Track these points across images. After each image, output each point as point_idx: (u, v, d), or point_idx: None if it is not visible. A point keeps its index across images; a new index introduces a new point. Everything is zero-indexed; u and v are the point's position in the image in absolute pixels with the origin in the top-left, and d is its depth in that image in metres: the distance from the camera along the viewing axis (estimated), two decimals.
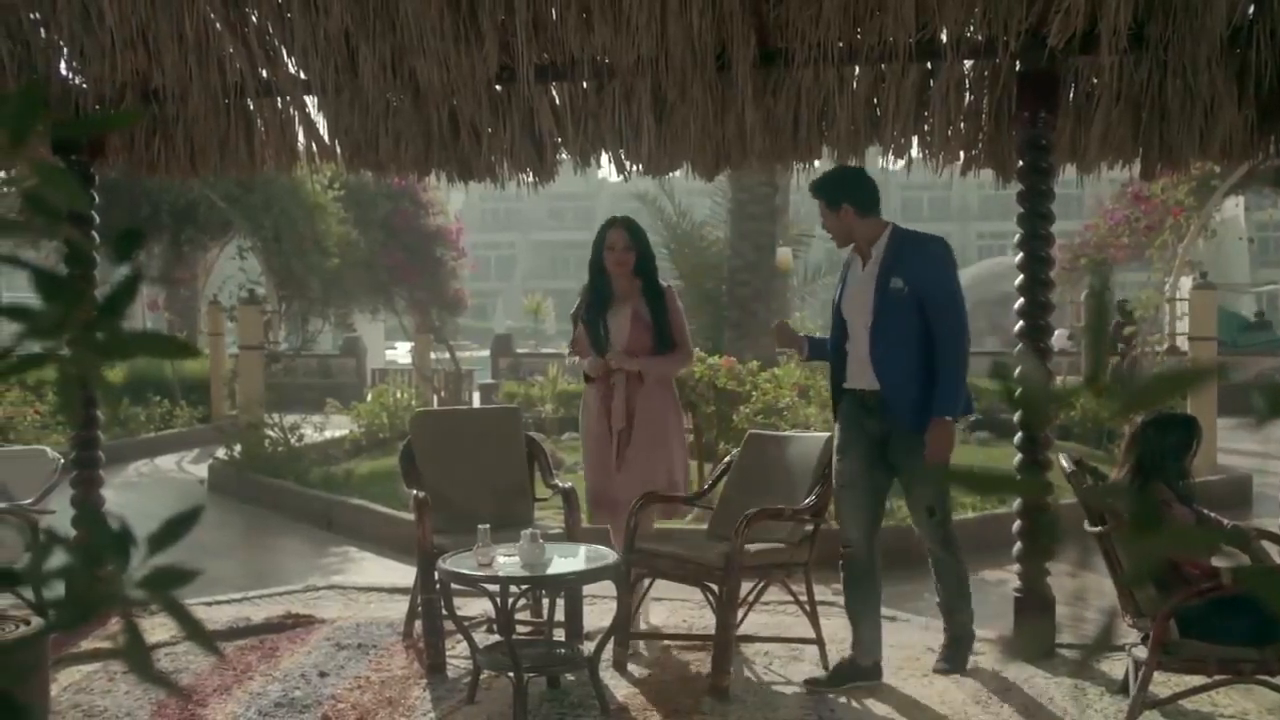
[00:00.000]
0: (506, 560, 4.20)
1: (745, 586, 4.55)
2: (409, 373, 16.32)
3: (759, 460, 4.91)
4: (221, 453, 10.49)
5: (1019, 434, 4.91)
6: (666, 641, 4.99)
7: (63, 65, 5.54)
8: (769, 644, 4.90)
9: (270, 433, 10.29)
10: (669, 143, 5.20)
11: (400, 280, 15.65)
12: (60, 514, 4.89)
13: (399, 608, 5.35)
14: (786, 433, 5.74)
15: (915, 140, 5.14)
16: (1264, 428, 0.91)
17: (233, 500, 9.55)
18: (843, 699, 4.29)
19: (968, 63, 4.95)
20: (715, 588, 4.41)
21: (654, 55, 4.95)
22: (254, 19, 5.28)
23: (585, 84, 5.21)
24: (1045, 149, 4.84)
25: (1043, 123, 4.81)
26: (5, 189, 11.17)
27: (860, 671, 4.40)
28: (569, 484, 5.08)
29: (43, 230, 0.99)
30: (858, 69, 5.01)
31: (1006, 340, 17.10)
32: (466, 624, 4.41)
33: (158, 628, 4.41)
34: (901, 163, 5.33)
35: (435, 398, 14.24)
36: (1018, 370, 1.04)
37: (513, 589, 4.11)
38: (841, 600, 4.53)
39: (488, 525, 4.26)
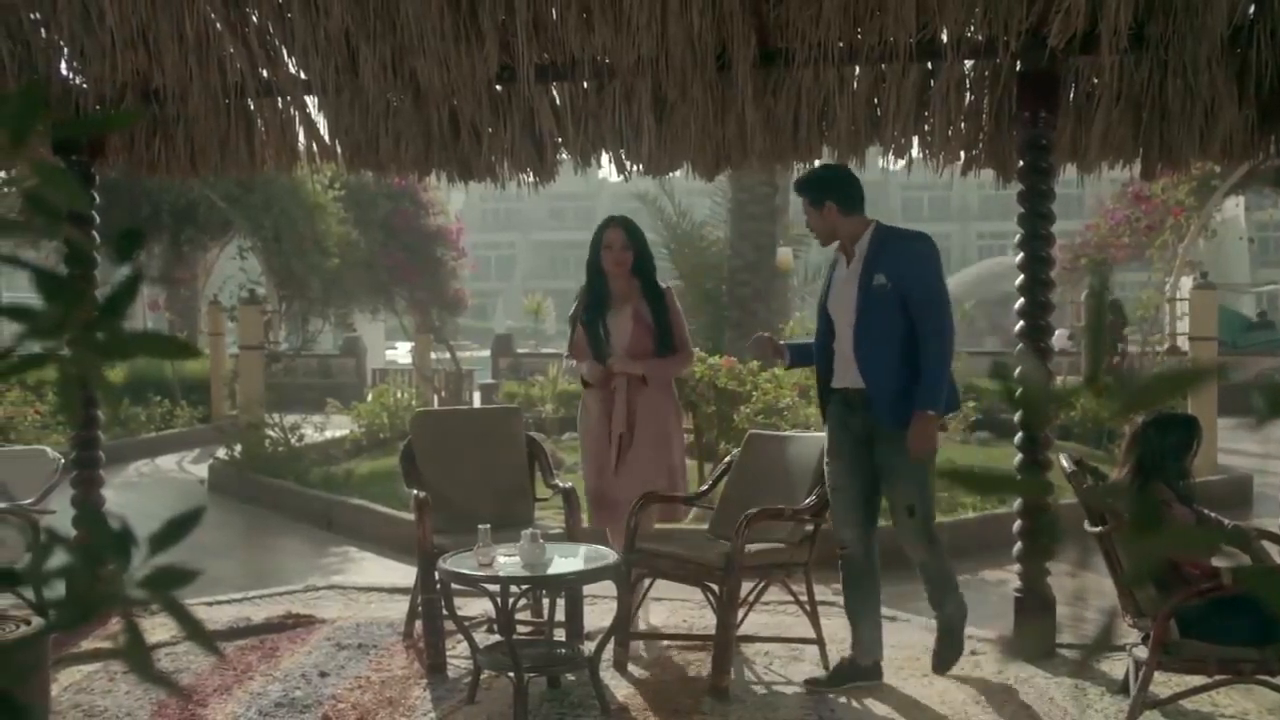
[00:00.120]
0: (507, 560, 4.20)
1: (745, 586, 4.55)
2: (409, 373, 16.32)
3: (759, 460, 4.91)
4: (222, 453, 10.49)
5: (1019, 434, 4.92)
6: (667, 641, 4.99)
7: (63, 65, 5.54)
8: (769, 644, 4.90)
9: (271, 433, 10.29)
10: (669, 143, 5.20)
11: (400, 280, 15.65)
12: (61, 514, 4.89)
13: (399, 608, 5.35)
14: (787, 433, 5.74)
15: (915, 140, 5.14)
16: (1264, 428, 0.91)
17: (233, 500, 9.55)
18: (843, 699, 4.29)
19: (968, 63, 4.95)
20: (715, 588, 4.41)
21: (654, 55, 4.95)
22: (254, 19, 5.28)
23: (585, 84, 5.22)
24: (1045, 149, 4.84)
25: (1043, 122, 4.81)
26: (6, 189, 11.18)
27: (860, 671, 4.40)
28: (569, 484, 5.08)
29: (43, 230, 0.99)
30: (858, 69, 5.01)
31: (1007, 340, 17.10)
32: (467, 624, 4.41)
33: (158, 628, 4.42)
34: (902, 163, 5.33)
35: (435, 398, 14.24)
36: (1018, 370, 1.04)
37: (513, 589, 4.11)
38: (842, 600, 4.53)
39: (488, 525, 4.26)
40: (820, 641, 4.62)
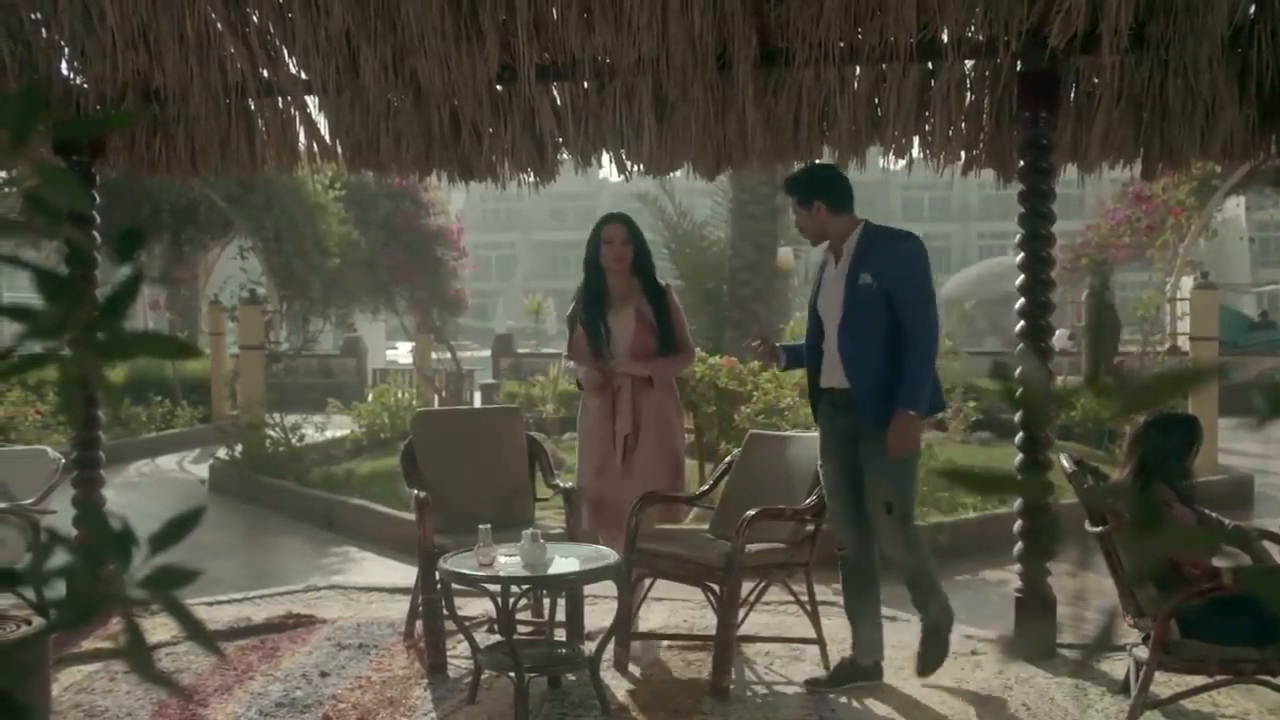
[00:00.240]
0: (507, 560, 4.20)
1: (746, 586, 4.55)
2: (410, 373, 16.32)
3: (760, 460, 4.91)
4: (222, 453, 10.49)
5: (1020, 434, 4.91)
6: (667, 642, 4.99)
7: (64, 65, 5.54)
8: (770, 644, 4.90)
9: (271, 433, 10.29)
10: (670, 142, 5.20)
11: (401, 280, 15.64)
12: (61, 514, 4.89)
13: (400, 608, 5.35)
14: (787, 433, 5.74)
15: (916, 140, 5.14)
16: (1265, 428, 0.91)
17: (234, 500, 9.55)
18: (843, 699, 4.29)
19: (969, 63, 4.95)
20: (716, 588, 4.41)
21: (655, 55, 4.95)
22: (255, 19, 5.28)
23: (586, 84, 5.21)
24: (1046, 149, 4.84)
25: (1044, 123, 4.81)
26: (6, 189, 11.18)
27: (861, 671, 4.40)
28: (570, 484, 5.08)
29: (44, 230, 0.99)
30: (859, 69, 5.01)
31: (1007, 340, 17.10)
32: (467, 624, 4.41)
33: (159, 628, 4.42)
34: (902, 163, 5.33)
35: (436, 398, 14.24)
36: (1018, 370, 1.04)
37: (514, 589, 4.11)
38: (842, 600, 4.53)
39: (489, 525, 4.26)
40: (821, 641, 4.62)
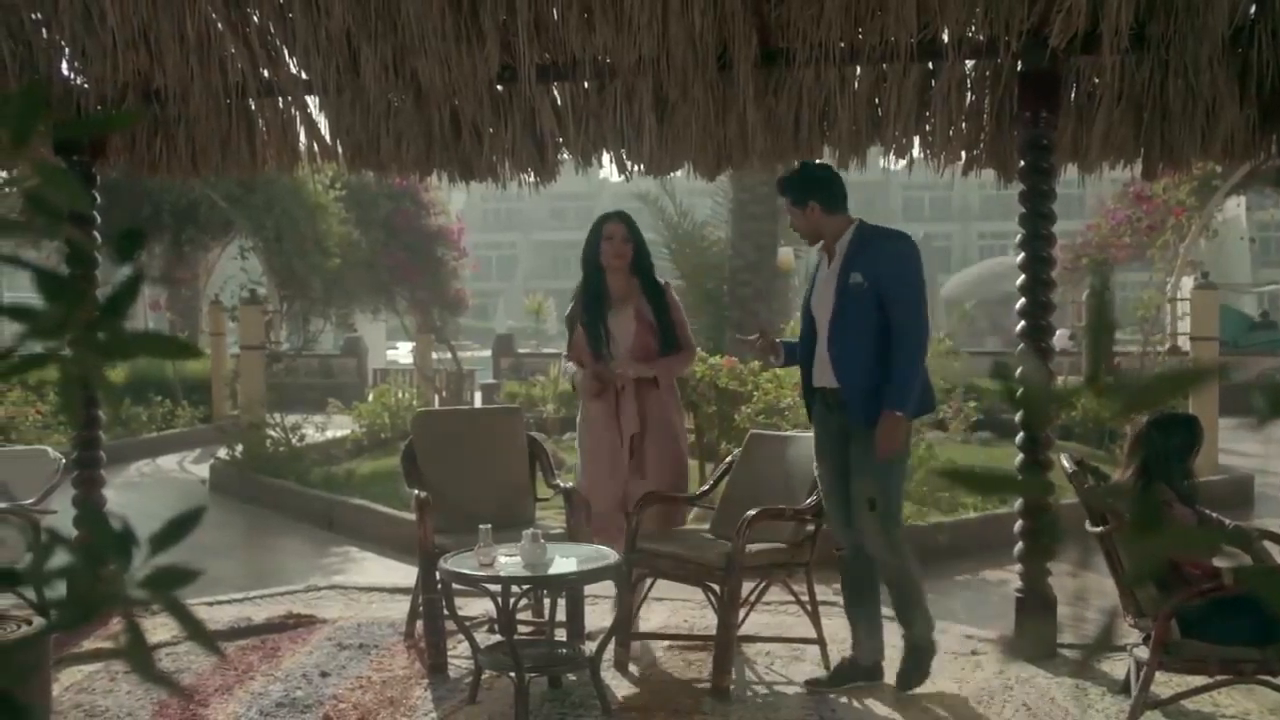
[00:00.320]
0: (508, 560, 4.20)
1: (746, 587, 4.55)
2: (410, 373, 16.32)
3: (760, 460, 4.91)
4: (223, 453, 10.49)
5: (1020, 434, 4.91)
6: (668, 642, 4.99)
7: (64, 65, 5.54)
8: (770, 644, 4.90)
9: (272, 433, 10.30)
10: (670, 142, 5.20)
11: (402, 280, 15.64)
12: (62, 514, 4.90)
13: (400, 608, 5.35)
14: (788, 433, 5.74)
15: (917, 140, 5.14)
16: (1265, 428, 0.91)
17: (234, 500, 9.55)
18: (844, 699, 4.29)
19: (969, 63, 4.95)
20: (716, 588, 4.41)
21: (655, 55, 4.95)
22: (255, 19, 5.28)
23: (587, 84, 5.21)
24: (1047, 149, 4.84)
25: (1044, 123, 4.81)
26: (7, 189, 11.18)
27: (861, 671, 4.40)
28: (570, 484, 5.07)
29: (44, 230, 0.99)
30: (859, 69, 5.01)
31: (1008, 340, 17.10)
32: (468, 624, 4.41)
33: (159, 628, 4.42)
34: (903, 163, 5.33)
35: (437, 398, 14.24)
36: (1019, 370, 1.04)
37: (514, 589, 4.11)
38: (842, 601, 4.53)
39: (489, 525, 4.26)
40: (821, 641, 4.62)
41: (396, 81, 5.20)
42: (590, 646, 4.34)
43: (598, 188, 44.16)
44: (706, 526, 4.96)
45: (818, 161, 4.84)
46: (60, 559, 0.90)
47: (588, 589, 4.71)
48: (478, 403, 14.56)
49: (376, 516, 7.99)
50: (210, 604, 5.63)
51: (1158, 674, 3.80)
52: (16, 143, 0.90)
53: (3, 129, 0.90)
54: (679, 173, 5.95)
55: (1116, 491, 3.93)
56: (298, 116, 5.60)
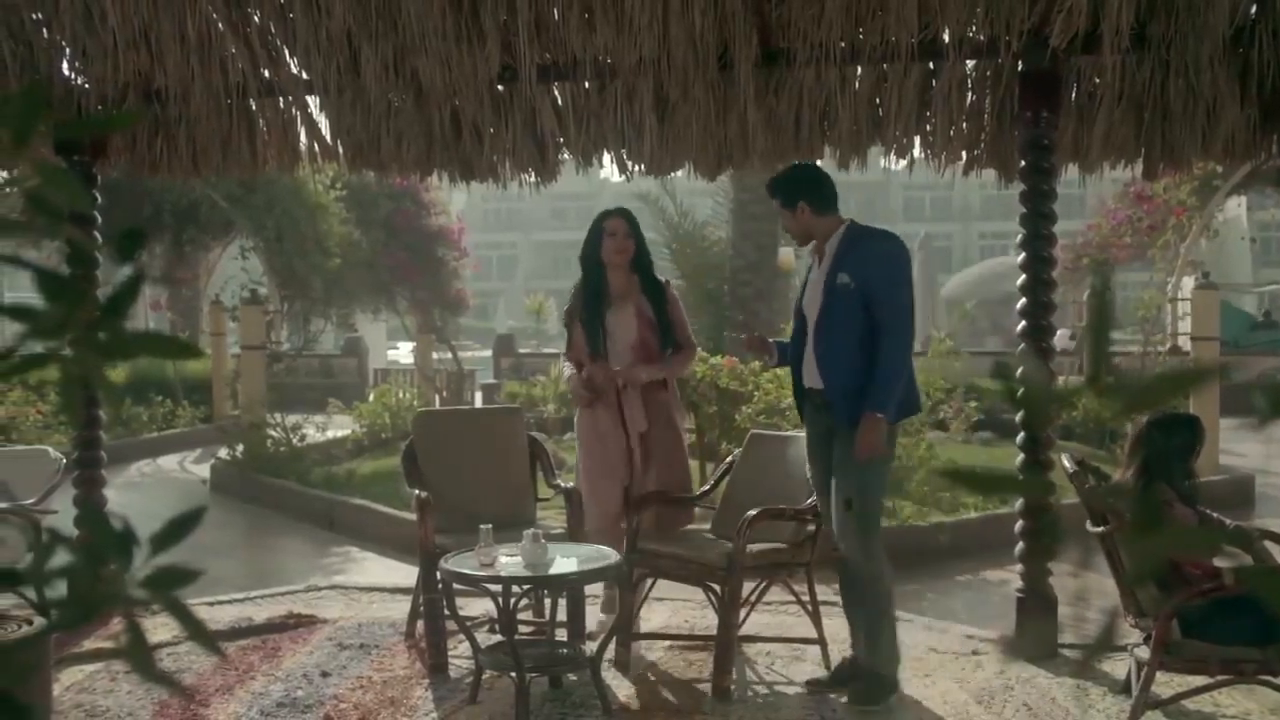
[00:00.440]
0: (508, 560, 4.20)
1: (747, 587, 4.55)
2: (411, 373, 16.32)
3: (761, 460, 4.91)
4: (224, 453, 10.50)
5: (1021, 434, 4.91)
6: (669, 642, 4.99)
7: (65, 65, 5.54)
8: (771, 644, 4.90)
9: (272, 433, 10.30)
10: (671, 142, 5.20)
11: (402, 280, 15.64)
12: (63, 514, 4.90)
13: (401, 608, 5.35)
14: (789, 433, 5.74)
15: (917, 140, 5.14)
16: (1266, 428, 0.91)
17: (235, 500, 9.56)
18: (844, 699, 4.28)
19: (970, 63, 4.95)
20: (717, 588, 4.41)
21: (656, 55, 4.95)
22: (256, 19, 5.28)
23: (587, 84, 5.21)
24: (1047, 149, 4.84)
25: (1045, 122, 4.80)
26: (8, 189, 11.18)
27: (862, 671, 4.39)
28: (571, 484, 5.07)
29: (45, 230, 0.99)
30: (860, 69, 5.01)
31: (1009, 340, 17.10)
32: (469, 624, 4.41)
33: (160, 628, 4.41)
34: (904, 163, 5.32)
35: (437, 398, 14.24)
36: (1020, 370, 1.04)
37: (515, 589, 4.11)
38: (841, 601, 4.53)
39: (490, 525, 4.26)
40: (822, 641, 4.62)
41: (397, 81, 5.20)
42: (591, 646, 4.34)
43: (598, 188, 44.16)
44: (707, 526, 4.95)
45: (807, 162, 4.81)
46: (61, 559, 0.90)
47: (588, 589, 4.71)
48: (478, 403, 14.56)
49: (377, 516, 8.00)
50: (211, 604, 5.63)
51: (1158, 674, 3.80)
52: (17, 143, 0.90)
53: (4, 129, 0.90)
54: (679, 173, 5.95)
55: (1117, 491, 3.93)
56: (298, 116, 5.60)
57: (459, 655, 4.67)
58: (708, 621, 4.99)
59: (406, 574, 6.22)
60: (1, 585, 0.99)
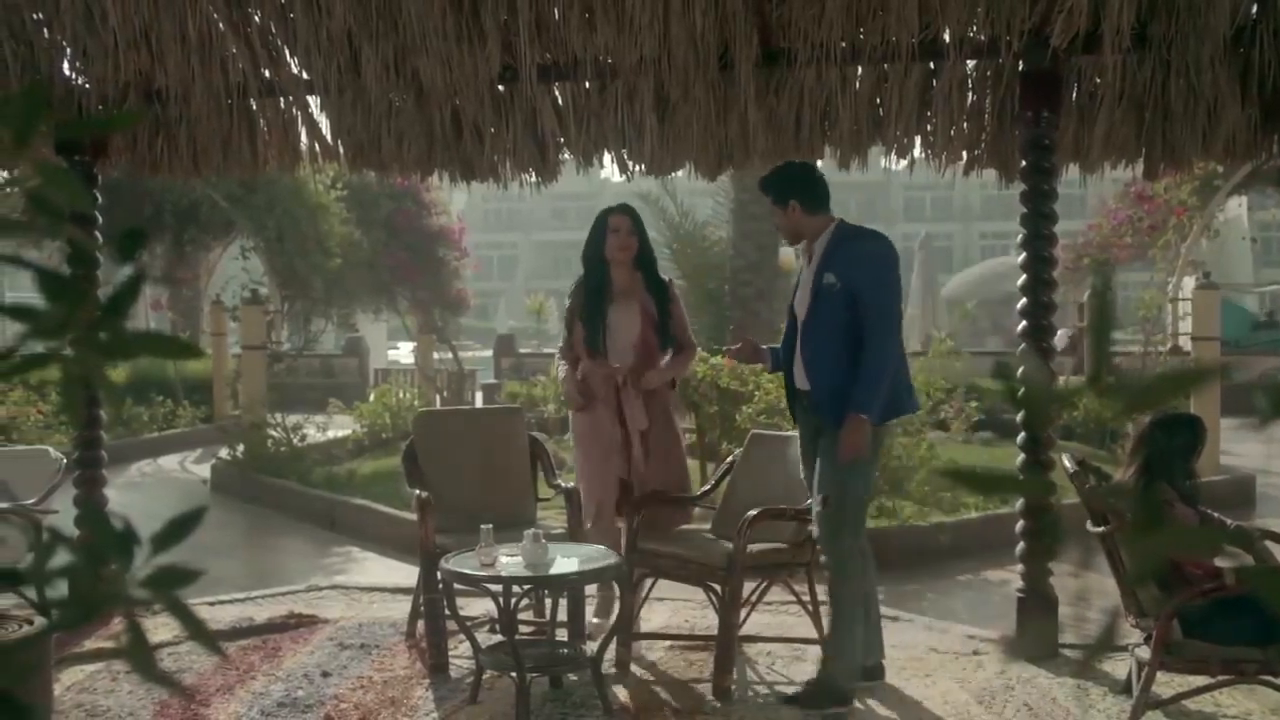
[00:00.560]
0: (509, 560, 4.20)
1: (748, 587, 4.55)
2: (411, 373, 16.31)
3: (761, 460, 4.90)
4: (224, 453, 10.50)
5: (1021, 434, 4.91)
6: (669, 642, 4.99)
7: (66, 65, 5.54)
8: (772, 644, 4.90)
9: (273, 433, 10.30)
10: (671, 142, 5.20)
11: (403, 280, 15.65)
12: (63, 514, 4.90)
13: (402, 608, 5.35)
14: (789, 433, 5.74)
15: (918, 140, 5.13)
16: (1267, 428, 0.91)
17: (235, 500, 9.56)
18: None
19: (970, 62, 4.95)
20: (718, 588, 4.41)
21: (656, 55, 4.95)
22: (257, 19, 5.28)
23: (588, 84, 5.21)
24: (1048, 149, 4.84)
25: (1045, 122, 4.80)
26: (9, 189, 11.19)
27: (863, 672, 4.39)
28: (571, 484, 5.07)
29: (46, 230, 0.99)
30: (860, 69, 5.00)
31: (1009, 340, 17.10)
32: (469, 624, 4.41)
33: (160, 627, 4.41)
34: (904, 162, 5.32)
35: (438, 398, 14.24)
36: (1020, 370, 1.04)
37: (515, 589, 4.11)
38: None
39: (490, 525, 4.26)
40: (823, 641, 4.62)
41: (398, 81, 5.20)
42: (592, 646, 4.34)
43: (599, 188, 44.14)
44: (708, 526, 4.95)
45: (800, 161, 4.79)
46: (62, 559, 0.90)
47: (589, 589, 4.71)
48: (479, 403, 14.56)
49: (378, 516, 8.00)
50: (212, 604, 5.63)
51: (1159, 674, 3.80)
52: (18, 143, 0.90)
53: (5, 129, 0.90)
54: (680, 173, 5.96)
55: (1118, 491, 3.93)
56: (299, 116, 5.60)
57: (459, 655, 4.67)
58: (708, 621, 4.99)
59: (407, 574, 6.22)
60: (2, 585, 0.99)
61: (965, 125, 5.06)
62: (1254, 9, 4.60)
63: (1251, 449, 10.40)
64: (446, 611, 4.43)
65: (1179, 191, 12.40)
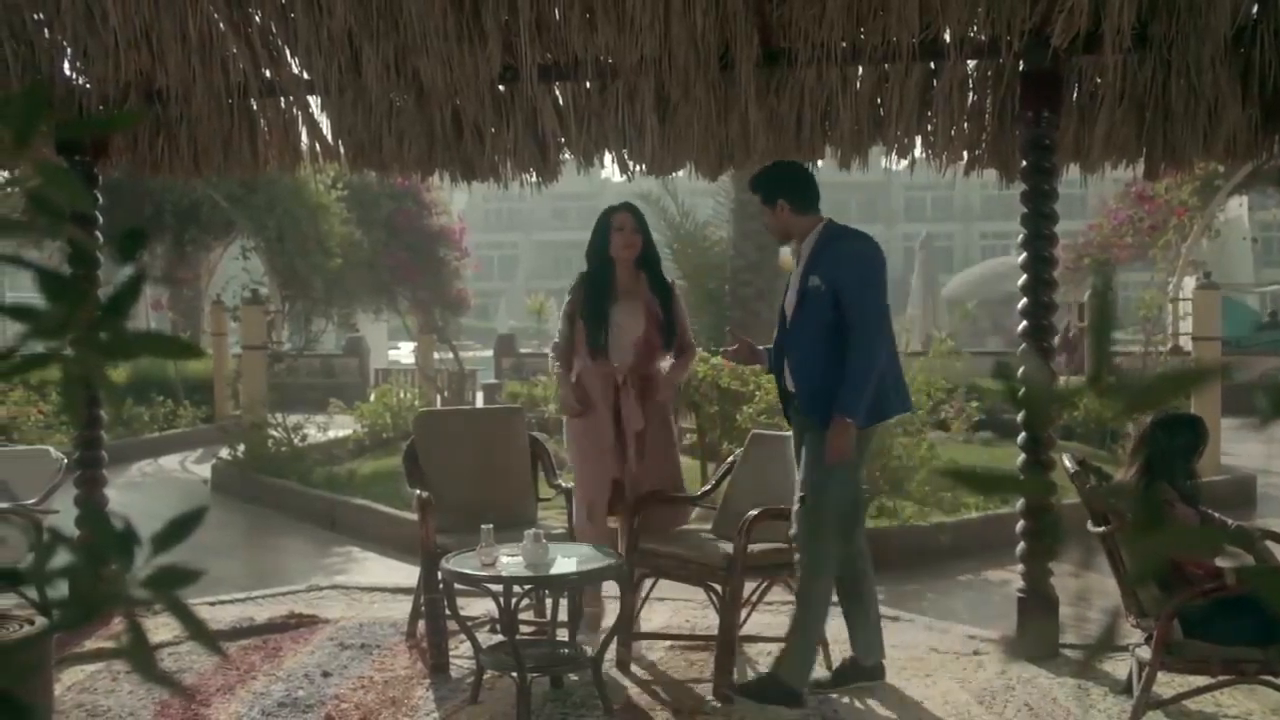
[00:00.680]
0: (510, 560, 4.20)
1: (748, 586, 4.55)
2: (412, 373, 16.32)
3: (762, 460, 4.90)
4: (225, 453, 10.50)
5: (1022, 434, 4.91)
6: (670, 641, 4.99)
7: (66, 65, 5.54)
8: (772, 644, 4.89)
9: (273, 433, 10.30)
10: (672, 142, 5.20)
11: (403, 280, 15.65)
12: (64, 514, 4.90)
13: (402, 608, 5.35)
14: (789, 433, 5.74)
15: (919, 140, 5.13)
16: (1268, 428, 0.91)
17: (236, 500, 9.56)
18: (846, 699, 4.28)
19: (971, 62, 4.95)
20: (718, 588, 4.41)
21: (657, 55, 4.95)
22: (257, 19, 5.28)
23: (588, 84, 5.21)
24: (1049, 149, 4.84)
25: (1046, 122, 4.80)
26: (9, 189, 11.19)
27: (863, 672, 4.39)
28: (571, 484, 5.07)
29: (46, 230, 0.99)
30: (861, 69, 5.00)
31: (1010, 340, 17.09)
32: (470, 624, 4.41)
33: (161, 627, 4.41)
34: (905, 162, 5.32)
35: (438, 398, 14.23)
36: (1021, 370, 1.04)
37: (516, 589, 4.11)
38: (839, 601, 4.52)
39: (491, 525, 4.26)
40: (823, 642, 4.61)
41: (398, 81, 5.20)
42: (592, 646, 4.34)
43: (599, 188, 44.13)
44: (708, 527, 4.95)
45: (790, 160, 4.77)
46: (62, 559, 0.90)
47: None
48: (479, 403, 14.56)
49: (378, 516, 8.00)
50: (212, 604, 5.63)
51: (1160, 674, 3.80)
52: (19, 143, 0.90)
53: (5, 129, 0.90)
54: (681, 173, 5.95)
55: (1119, 491, 3.93)
56: (299, 116, 5.60)
57: (460, 655, 4.67)
58: (709, 621, 4.99)
59: (408, 574, 6.22)
60: (3, 585, 0.99)
61: (966, 125, 5.06)
62: (1254, 9, 4.60)
63: (1252, 449, 10.40)
64: (447, 611, 4.43)
65: (1180, 191, 12.41)
